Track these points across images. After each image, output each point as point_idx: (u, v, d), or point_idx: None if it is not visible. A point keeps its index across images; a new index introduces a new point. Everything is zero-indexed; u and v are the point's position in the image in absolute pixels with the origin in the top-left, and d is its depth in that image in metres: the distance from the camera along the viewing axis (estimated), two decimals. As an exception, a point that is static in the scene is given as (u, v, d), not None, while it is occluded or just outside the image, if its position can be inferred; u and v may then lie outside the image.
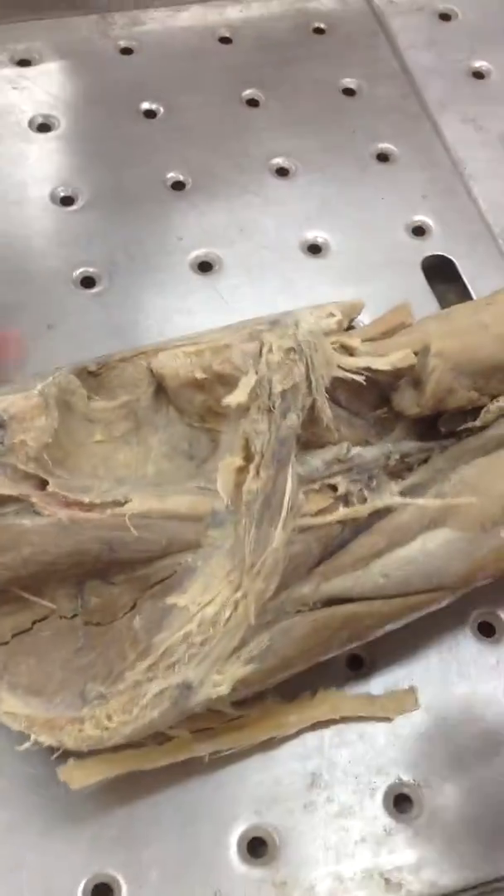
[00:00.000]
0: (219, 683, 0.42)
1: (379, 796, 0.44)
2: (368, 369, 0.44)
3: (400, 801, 0.44)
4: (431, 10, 0.71)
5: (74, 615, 0.43)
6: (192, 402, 0.44)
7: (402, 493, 0.45)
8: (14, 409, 0.40)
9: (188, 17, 0.70)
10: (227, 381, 0.42)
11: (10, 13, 0.70)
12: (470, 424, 0.47)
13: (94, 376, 0.46)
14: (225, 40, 0.69)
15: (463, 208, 0.64)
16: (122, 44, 0.68)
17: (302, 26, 0.70)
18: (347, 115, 0.62)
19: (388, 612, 0.45)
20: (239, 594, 0.41)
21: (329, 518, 0.43)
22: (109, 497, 0.41)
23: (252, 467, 0.41)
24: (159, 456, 0.46)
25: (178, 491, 0.42)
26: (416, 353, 0.45)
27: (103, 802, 0.44)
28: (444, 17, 0.71)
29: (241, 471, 0.42)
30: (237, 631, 0.42)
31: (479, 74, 0.67)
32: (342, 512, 0.44)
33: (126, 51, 0.68)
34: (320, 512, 0.43)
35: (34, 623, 0.44)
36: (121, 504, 0.41)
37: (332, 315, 0.44)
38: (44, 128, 0.63)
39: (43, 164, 0.65)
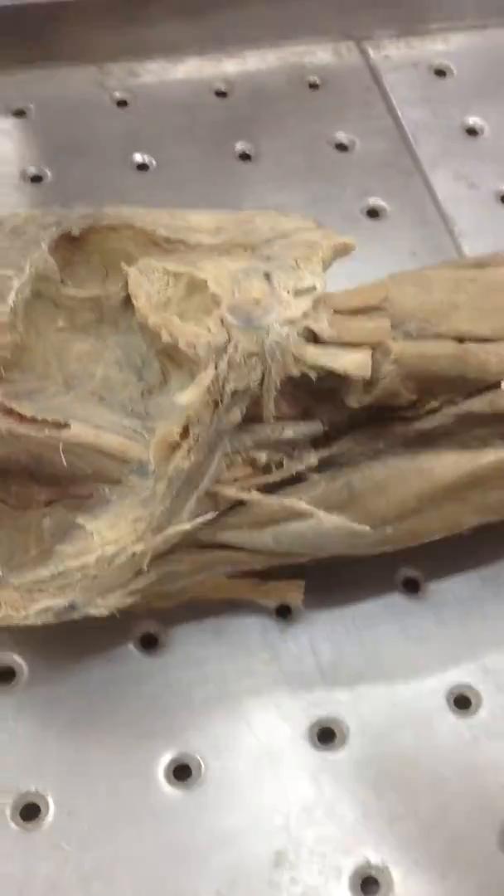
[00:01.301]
0: (99, 607, 0.48)
1: (345, 878, 0.48)
2: (322, 368, 0.48)
3: (367, 884, 0.49)
4: (426, 65, 0.74)
5: None
6: (155, 338, 0.49)
7: (320, 463, 0.50)
8: None
9: (184, 69, 0.74)
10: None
11: (4, 62, 0.70)
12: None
13: (73, 240, 0.51)
14: (220, 94, 0.72)
15: (454, 267, 0.63)
16: (118, 95, 0.72)
17: (297, 80, 0.75)
18: (339, 170, 0.66)
19: (264, 563, 0.52)
20: (139, 547, 0.47)
21: (240, 491, 0.49)
22: (50, 416, 0.47)
23: (185, 446, 0.47)
24: (111, 360, 0.51)
25: (115, 427, 0.48)
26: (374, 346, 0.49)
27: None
28: (439, 72, 0.74)
29: (174, 444, 0.47)
30: (128, 572, 0.48)
31: (472, 131, 0.71)
32: (256, 480, 0.49)
33: (121, 103, 0.71)
34: (236, 480, 0.49)
35: None
36: (59, 427, 0.47)
37: (314, 311, 0.48)
38: (36, 179, 0.64)
39: None
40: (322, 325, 0.48)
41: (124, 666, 0.53)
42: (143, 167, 0.75)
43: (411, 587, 0.57)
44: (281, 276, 0.49)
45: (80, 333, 0.52)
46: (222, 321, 0.47)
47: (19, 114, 0.78)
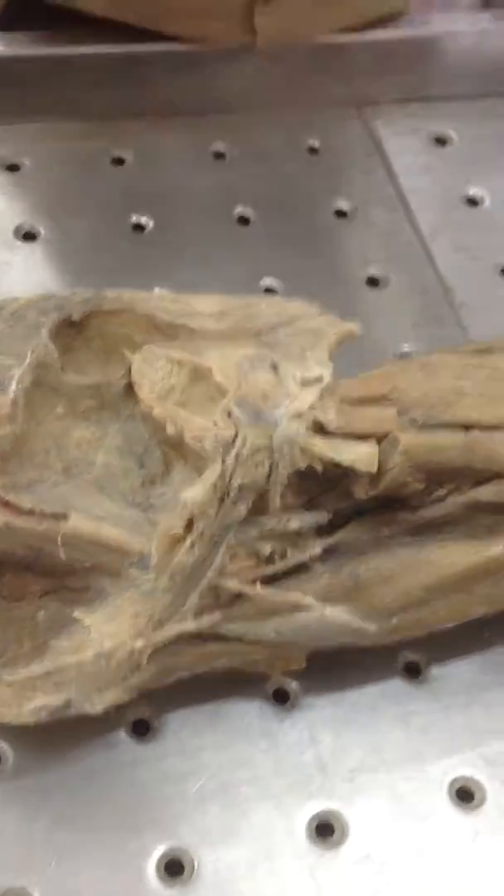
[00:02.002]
0: (95, 704, 0.47)
1: None
2: (330, 461, 0.48)
3: None
4: (427, 132, 0.74)
5: None
6: (157, 428, 0.49)
7: (324, 552, 0.49)
8: None
9: (181, 129, 0.70)
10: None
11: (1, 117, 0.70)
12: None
13: (74, 325, 0.51)
14: (219, 155, 0.70)
15: (453, 339, 0.70)
16: (114, 153, 0.67)
17: (296, 145, 0.72)
18: (339, 238, 0.65)
19: (266, 655, 0.51)
20: (139, 643, 0.46)
21: (244, 584, 0.48)
22: (49, 507, 0.46)
23: (189, 540, 0.46)
24: (112, 447, 0.50)
25: (116, 518, 0.47)
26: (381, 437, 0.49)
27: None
28: (440, 140, 0.74)
29: (177, 538, 0.46)
30: (126, 669, 0.47)
31: (472, 201, 0.69)
32: (259, 571, 0.48)
33: (117, 161, 0.67)
34: (239, 572, 0.48)
35: None
36: (58, 518, 0.46)
37: (322, 401, 0.48)
38: (29, 237, 0.63)
39: (27, 275, 0.71)
40: (329, 416, 0.47)
41: (115, 753, 0.52)
42: (139, 227, 0.74)
43: (413, 672, 0.55)
44: (288, 365, 0.48)
45: (81, 420, 0.51)
46: (229, 414, 0.46)
47: (12, 168, 0.77)
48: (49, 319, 0.49)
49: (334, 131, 0.82)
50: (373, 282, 0.73)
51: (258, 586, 0.48)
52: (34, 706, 0.46)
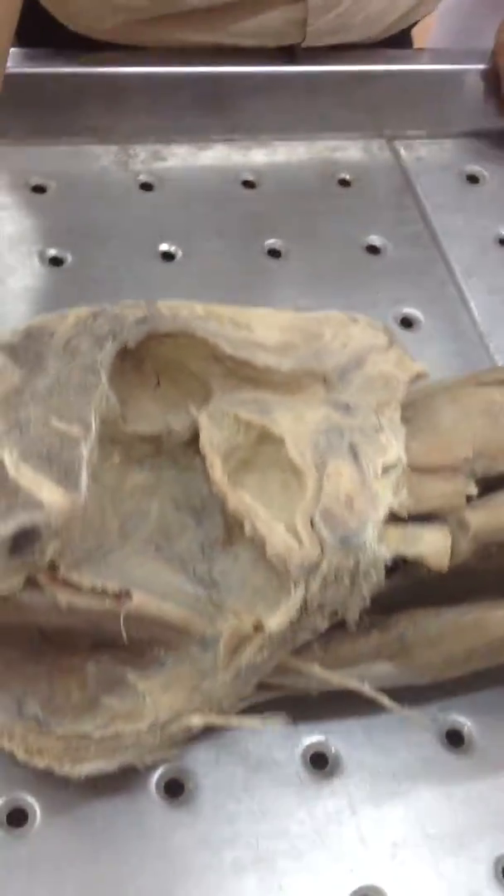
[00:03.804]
0: (142, 762, 0.46)
1: None
2: (401, 555, 0.46)
3: None
4: (458, 170, 0.72)
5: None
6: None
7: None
8: (57, 522, 0.40)
9: (211, 155, 0.71)
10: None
11: (27, 136, 0.66)
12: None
13: (128, 352, 0.47)
14: (248, 184, 0.66)
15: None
16: (143, 178, 0.67)
17: (328, 176, 0.71)
18: (370, 275, 0.63)
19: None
20: (196, 720, 0.45)
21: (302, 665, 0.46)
22: (110, 581, 0.43)
23: (258, 642, 0.44)
24: (167, 497, 0.48)
25: (178, 594, 0.45)
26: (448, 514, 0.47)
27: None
28: (472, 179, 0.71)
29: (247, 638, 0.44)
30: (179, 738, 0.46)
31: None
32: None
33: (146, 186, 0.65)
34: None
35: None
36: (120, 597, 0.43)
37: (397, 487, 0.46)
38: (56, 261, 0.59)
39: (53, 300, 0.68)
40: (402, 499, 0.46)
41: (147, 817, 0.49)
42: (168, 256, 0.71)
43: (455, 740, 0.52)
44: (366, 449, 0.46)
45: (136, 465, 0.48)
46: (312, 525, 0.43)
47: (38, 190, 0.73)
48: (105, 354, 0.46)
49: (364, 163, 0.79)
50: (406, 322, 0.70)
51: (316, 667, 0.46)
52: (89, 768, 0.44)
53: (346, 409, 0.47)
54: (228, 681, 0.44)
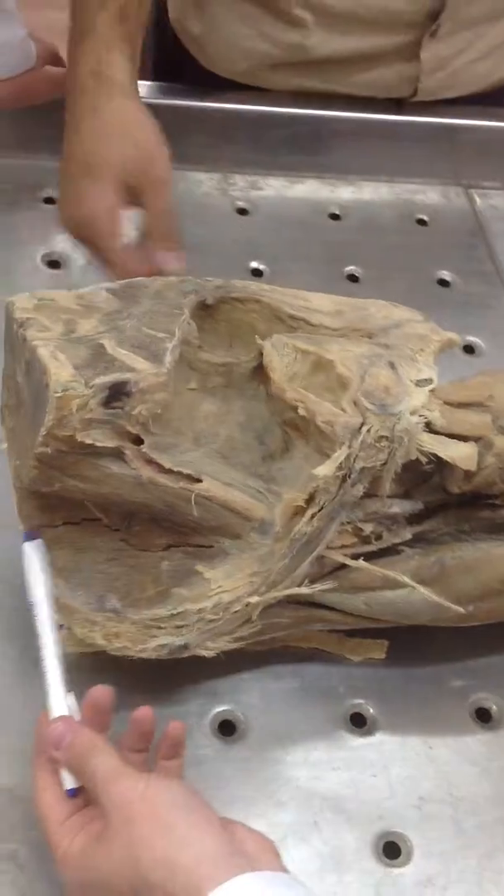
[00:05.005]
0: (208, 650, 0.51)
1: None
2: (435, 455, 0.52)
3: None
4: None
5: (117, 530, 0.53)
6: (282, 409, 0.53)
7: (413, 538, 0.54)
8: (145, 383, 0.48)
9: (303, 189, 0.78)
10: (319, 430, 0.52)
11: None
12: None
13: (206, 308, 0.55)
14: (334, 216, 0.73)
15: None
16: (240, 204, 0.71)
17: (406, 216, 0.77)
18: (439, 305, 0.68)
19: (353, 624, 0.55)
20: (254, 599, 0.51)
21: (347, 558, 0.52)
22: (186, 469, 0.50)
23: (309, 513, 0.51)
24: (234, 423, 0.55)
25: (241, 486, 0.52)
26: (477, 440, 0.53)
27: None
28: None
29: (299, 510, 0.51)
30: (239, 620, 0.52)
31: None
32: (359, 549, 0.53)
33: (242, 211, 0.70)
34: (343, 546, 0.52)
35: (83, 520, 0.53)
36: (193, 480, 0.50)
37: (429, 402, 0.52)
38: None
39: None
40: (435, 415, 0.53)
41: (203, 751, 0.54)
42: (257, 273, 0.77)
43: (484, 717, 0.57)
44: (404, 365, 0.53)
45: (209, 395, 0.56)
46: (356, 403, 0.51)
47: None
48: (188, 300, 0.54)
49: (441, 207, 0.86)
50: (469, 349, 0.75)
51: (362, 561, 0.52)
52: (157, 644, 0.51)
53: (386, 347, 0.55)
54: (282, 555, 0.50)
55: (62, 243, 0.76)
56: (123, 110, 0.64)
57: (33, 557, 0.51)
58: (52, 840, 0.45)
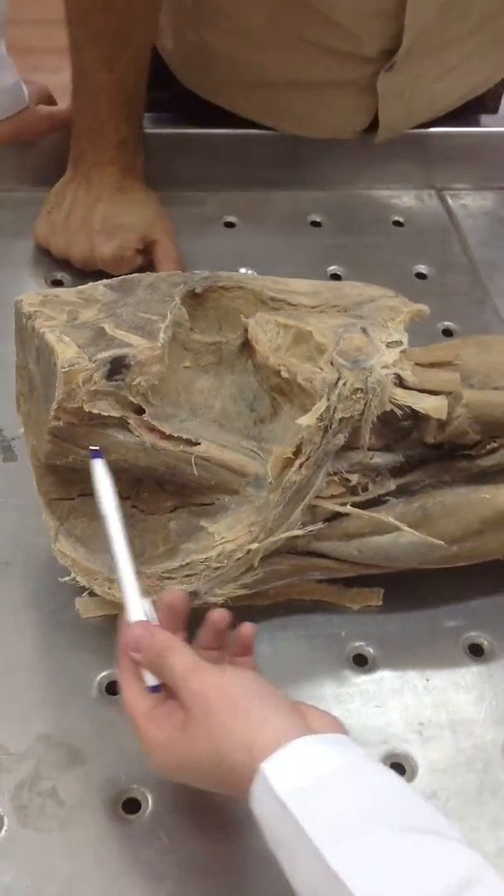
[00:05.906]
0: (217, 596, 0.57)
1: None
2: (409, 408, 0.57)
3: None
4: (497, 216, 0.80)
5: (127, 497, 0.58)
6: (269, 377, 0.59)
7: (396, 489, 0.59)
8: (142, 356, 0.55)
9: (285, 201, 0.85)
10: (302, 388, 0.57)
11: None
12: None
13: (196, 296, 0.61)
14: (315, 224, 0.78)
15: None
16: (227, 218, 0.77)
17: (384, 218, 0.83)
18: (418, 295, 0.70)
19: (348, 571, 0.60)
20: (254, 546, 0.56)
21: (337, 505, 0.57)
22: (185, 434, 0.56)
23: (297, 463, 0.56)
24: (227, 395, 0.60)
25: (236, 447, 0.57)
26: (447, 393, 0.59)
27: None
28: None
29: (288, 461, 0.56)
30: (242, 567, 0.57)
31: None
32: (347, 499, 0.58)
33: (229, 224, 0.76)
34: (332, 496, 0.57)
35: (97, 490, 0.62)
36: (192, 444, 0.56)
37: (401, 361, 0.58)
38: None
39: None
40: (407, 373, 0.59)
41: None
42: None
43: (476, 651, 0.61)
44: (375, 330, 0.59)
45: (202, 372, 0.62)
46: (332, 363, 0.57)
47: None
48: (178, 290, 0.61)
49: (416, 209, 0.93)
50: (447, 332, 0.81)
51: (351, 507, 0.58)
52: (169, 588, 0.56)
53: (360, 318, 0.61)
54: (277, 503, 0.55)
55: (64, 269, 0.83)
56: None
57: (101, 472, 0.55)
58: (140, 731, 0.49)
